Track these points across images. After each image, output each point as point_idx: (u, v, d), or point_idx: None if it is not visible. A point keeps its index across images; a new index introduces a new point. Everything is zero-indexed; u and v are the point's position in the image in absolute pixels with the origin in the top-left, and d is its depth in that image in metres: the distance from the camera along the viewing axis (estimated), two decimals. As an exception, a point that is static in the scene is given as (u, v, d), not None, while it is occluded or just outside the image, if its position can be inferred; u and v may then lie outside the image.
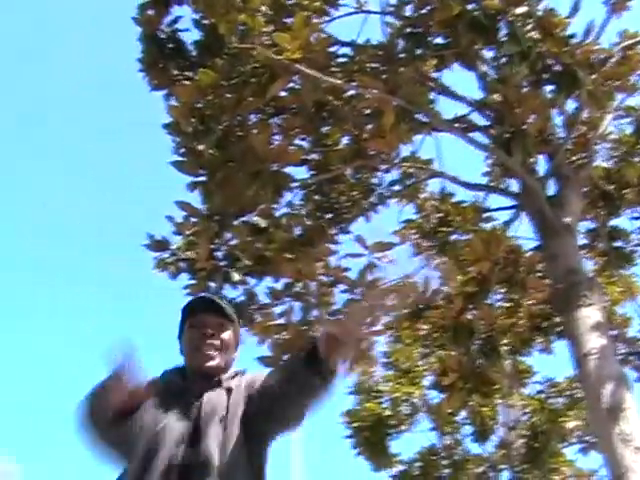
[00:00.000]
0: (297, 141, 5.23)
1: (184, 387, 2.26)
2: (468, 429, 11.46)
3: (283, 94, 4.94)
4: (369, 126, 5.19)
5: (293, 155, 4.81)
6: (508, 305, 6.34)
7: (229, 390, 2.24)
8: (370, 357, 5.75)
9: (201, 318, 2.33)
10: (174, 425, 2.11)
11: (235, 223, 4.96)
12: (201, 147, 4.81)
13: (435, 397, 10.71)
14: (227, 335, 2.34)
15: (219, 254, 5.25)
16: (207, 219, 4.85)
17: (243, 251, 5.18)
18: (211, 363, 2.27)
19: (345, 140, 5.50)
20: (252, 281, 5.41)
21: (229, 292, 5.38)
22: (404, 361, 10.85)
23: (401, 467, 11.26)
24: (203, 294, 2.62)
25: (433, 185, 6.42)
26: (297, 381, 2.08)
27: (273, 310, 5.50)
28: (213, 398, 2.18)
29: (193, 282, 5.30)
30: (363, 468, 11.03)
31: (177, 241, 5.31)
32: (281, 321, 5.49)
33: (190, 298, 2.40)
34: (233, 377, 2.30)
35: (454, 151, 7.64)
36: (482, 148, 5.63)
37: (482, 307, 5.86)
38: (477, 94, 5.60)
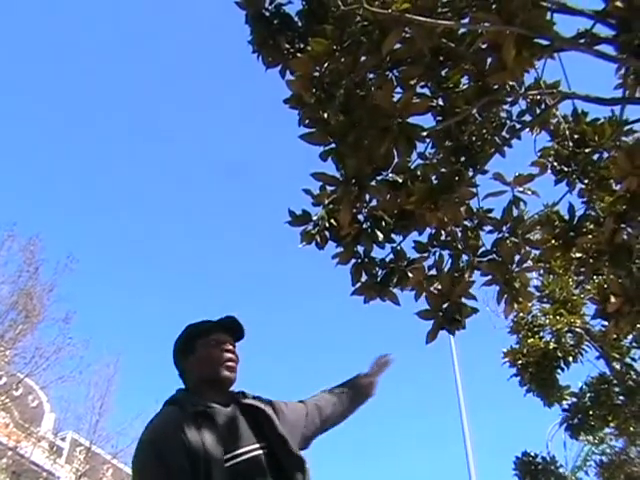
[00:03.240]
0: (419, 90, 5.16)
1: (214, 400, 2.48)
2: (638, 353, 11.10)
3: (397, 47, 4.88)
4: (489, 61, 5.02)
5: (419, 105, 4.75)
6: (664, 218, 6.03)
7: (270, 402, 2.65)
8: (526, 293, 5.62)
9: (220, 336, 2.67)
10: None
11: (372, 183, 4.97)
12: (326, 115, 4.85)
13: (597, 324, 10.46)
14: (238, 353, 2.68)
15: (361, 217, 5.30)
16: (345, 184, 4.89)
17: (384, 210, 5.22)
18: (233, 375, 2.62)
19: (466, 80, 5.37)
20: (398, 238, 5.45)
21: (376, 252, 5.45)
22: (560, 292, 10.60)
23: (573, 399, 11.06)
24: (221, 317, 2.73)
25: (564, 108, 6.16)
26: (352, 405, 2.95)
27: (423, 263, 5.52)
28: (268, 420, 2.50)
29: (340, 250, 5.41)
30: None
31: (318, 212, 5.41)
32: (433, 272, 5.51)
33: (198, 321, 2.72)
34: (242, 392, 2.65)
35: (581, 69, 7.30)
36: (611, 60, 5.34)
37: (636, 225, 5.60)
38: (597, 5, 5.32)
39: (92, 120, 60.98)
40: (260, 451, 2.38)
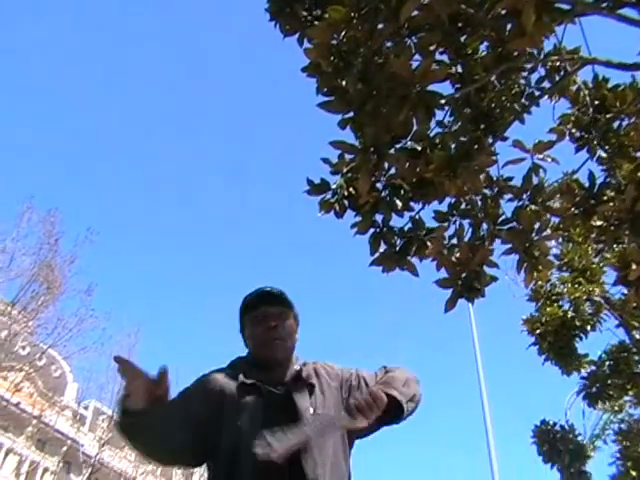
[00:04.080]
0: (437, 57, 5.11)
1: (264, 379, 2.41)
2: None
3: (415, 13, 4.82)
4: (508, 27, 4.96)
5: (438, 72, 4.70)
6: (686, 185, 5.95)
7: (308, 384, 2.47)
8: (545, 262, 5.60)
9: (263, 311, 2.56)
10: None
11: (391, 152, 4.94)
12: (344, 83, 4.82)
13: (617, 293, 10.40)
14: (288, 323, 2.58)
15: (379, 185, 5.29)
16: (363, 153, 4.87)
17: (403, 178, 5.19)
18: (281, 354, 2.51)
19: (485, 47, 5.31)
20: (417, 207, 5.43)
21: (395, 222, 5.44)
22: (579, 260, 10.53)
23: (591, 367, 11.05)
24: (260, 288, 2.63)
25: (585, 74, 6.08)
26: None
27: (443, 233, 5.51)
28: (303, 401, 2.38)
29: (359, 219, 5.40)
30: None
31: (336, 181, 5.39)
32: (453, 242, 5.50)
33: (248, 293, 2.63)
34: (304, 364, 2.56)
35: (603, 34, 7.20)
36: (635, 23, 5.25)
37: (659, 192, 5.54)
38: (620, -33, 5.22)
39: (113, 92, 61.03)
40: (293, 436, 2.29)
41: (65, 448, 30.25)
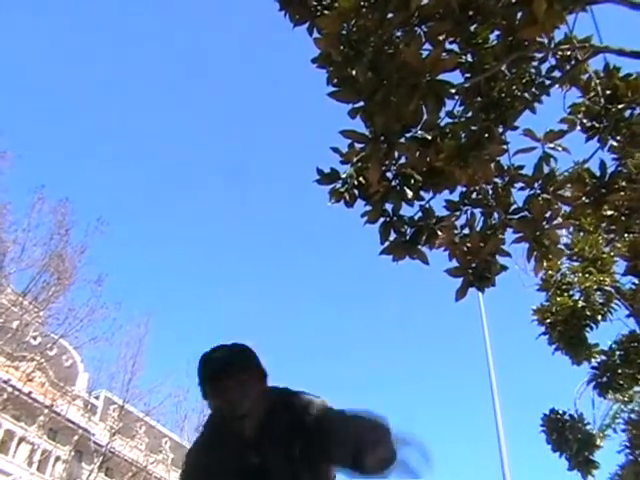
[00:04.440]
0: (447, 46, 5.10)
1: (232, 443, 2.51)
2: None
3: (425, 2, 4.82)
4: (519, 15, 4.94)
5: (448, 61, 4.70)
6: (698, 174, 5.93)
7: (270, 437, 2.49)
8: (556, 251, 5.59)
9: (216, 386, 2.55)
10: None
11: (401, 141, 4.94)
12: (354, 73, 4.82)
13: (627, 283, 10.37)
14: (245, 387, 2.53)
15: (390, 175, 5.29)
16: (373, 142, 4.87)
17: (414, 167, 5.19)
18: (249, 424, 2.52)
19: (495, 36, 5.29)
20: (427, 196, 5.44)
21: (405, 211, 5.44)
22: (590, 250, 10.48)
23: (601, 357, 11.01)
24: (207, 358, 2.61)
25: (596, 64, 6.05)
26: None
27: (453, 222, 5.51)
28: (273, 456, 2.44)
29: (369, 208, 5.40)
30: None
31: (346, 170, 5.40)
32: (465, 231, 5.50)
33: (200, 362, 2.60)
34: (271, 410, 2.54)
35: (615, 22, 7.15)
36: (646, 11, 5.23)
37: (669, 181, 5.52)
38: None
39: (120, 87, 61.13)
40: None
41: (76, 437, 30.47)
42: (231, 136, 71.17)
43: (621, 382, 10.89)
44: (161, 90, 67.49)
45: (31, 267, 23.45)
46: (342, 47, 4.76)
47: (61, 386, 29.15)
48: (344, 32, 4.79)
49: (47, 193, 24.82)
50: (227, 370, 2.54)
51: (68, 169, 54.56)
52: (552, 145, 5.34)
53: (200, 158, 69.10)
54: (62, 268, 23.72)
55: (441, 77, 4.71)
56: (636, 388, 11.98)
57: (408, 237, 5.42)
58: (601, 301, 10.71)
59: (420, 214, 5.47)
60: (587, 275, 10.66)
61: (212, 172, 67.84)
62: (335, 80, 4.99)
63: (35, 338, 25.49)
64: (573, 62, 5.86)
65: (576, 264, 11.03)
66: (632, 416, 12.61)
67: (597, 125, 5.87)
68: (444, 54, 4.86)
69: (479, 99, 5.45)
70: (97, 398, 33.79)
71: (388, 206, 5.37)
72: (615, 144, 5.91)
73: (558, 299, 10.56)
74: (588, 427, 11.03)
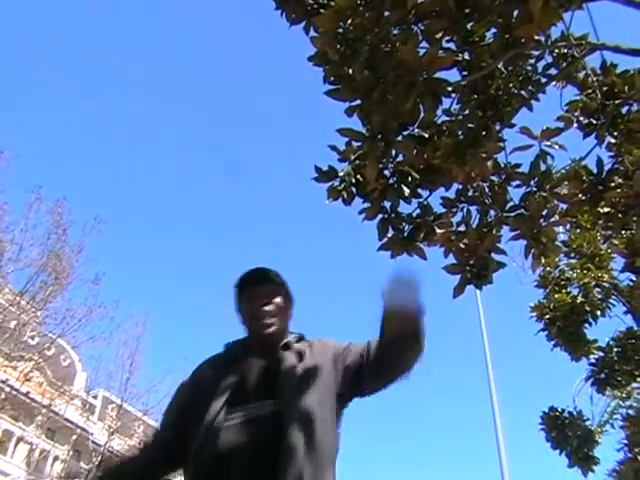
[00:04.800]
0: (444, 44, 5.10)
1: (252, 356, 2.46)
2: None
3: (422, 0, 4.82)
4: (515, 13, 4.95)
5: (445, 59, 4.71)
6: (694, 171, 5.92)
7: (300, 354, 2.48)
8: (553, 248, 5.60)
9: (253, 290, 2.61)
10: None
11: (399, 139, 4.95)
12: (351, 71, 4.82)
13: (625, 279, 10.39)
14: (279, 299, 2.60)
15: (387, 172, 5.30)
16: (371, 140, 4.88)
17: (411, 165, 5.20)
18: (270, 330, 2.53)
19: (492, 34, 5.30)
20: (424, 194, 5.44)
21: (403, 208, 5.45)
22: (588, 246, 10.51)
23: (599, 353, 11.04)
24: (252, 268, 2.68)
25: (592, 61, 6.06)
26: (395, 345, 2.30)
27: (450, 219, 5.52)
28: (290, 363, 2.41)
29: (367, 205, 5.41)
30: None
31: (344, 168, 5.40)
32: (461, 228, 5.51)
33: (240, 274, 2.67)
34: (297, 341, 2.57)
35: (611, 19, 7.17)
36: (642, 8, 5.24)
37: (666, 177, 5.52)
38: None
39: (116, 83, 61.09)
40: (272, 407, 2.31)
41: (75, 437, 30.46)
42: (230, 135, 71.13)
43: (619, 378, 10.92)
44: (158, 87, 67.48)
45: (29, 267, 23.39)
46: (339, 45, 4.76)
47: (59, 386, 29.12)
48: (340, 30, 4.79)
49: (44, 193, 24.78)
50: (269, 279, 2.64)
51: (65, 168, 54.51)
52: (549, 143, 5.36)
53: (199, 155, 69.08)
54: (60, 267, 23.68)
55: (438, 75, 4.72)
56: (634, 384, 12.01)
57: (406, 234, 5.43)
58: (599, 297, 10.74)
59: (418, 211, 5.48)
60: (585, 271, 10.70)
61: (212, 169, 67.84)
62: (332, 78, 4.98)
63: (33, 338, 25.45)
64: (570, 59, 5.87)
65: (574, 261, 11.06)
66: (630, 412, 12.64)
67: (594, 122, 5.88)
68: (441, 52, 4.85)
69: (476, 97, 5.46)
70: (95, 397, 33.78)
71: (386, 203, 5.38)
72: (612, 141, 5.92)
73: (556, 295, 10.59)
74: (587, 423, 11.05)
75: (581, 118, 5.93)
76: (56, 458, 30.13)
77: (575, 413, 11.02)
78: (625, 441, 11.47)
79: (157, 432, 2.58)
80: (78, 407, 31.35)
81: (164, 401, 30.68)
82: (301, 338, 2.61)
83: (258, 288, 2.60)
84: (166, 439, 2.46)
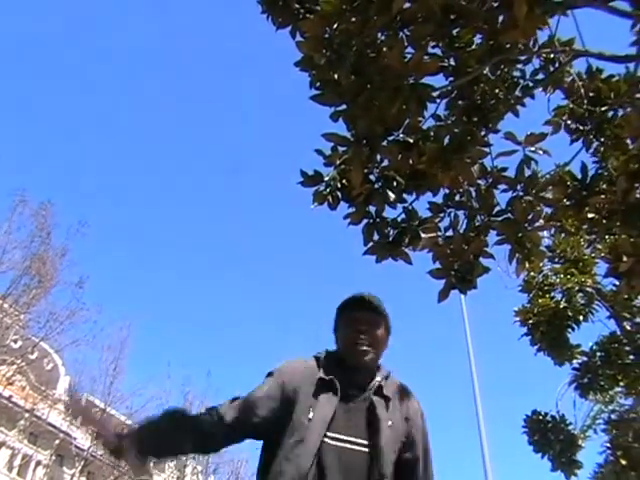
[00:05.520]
0: (430, 50, 5.11)
1: (344, 380, 2.51)
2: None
3: (407, 5, 4.83)
4: (501, 18, 4.97)
5: (430, 65, 4.72)
6: (679, 177, 5.97)
7: (387, 399, 2.56)
8: (537, 252, 5.62)
9: (355, 316, 2.66)
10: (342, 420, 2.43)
11: (384, 144, 4.95)
12: (337, 76, 4.82)
13: (608, 284, 10.45)
14: (379, 331, 2.66)
15: (373, 177, 5.29)
16: (356, 145, 4.87)
17: (396, 170, 5.20)
18: (366, 358, 2.59)
19: (478, 39, 5.32)
20: (410, 199, 5.44)
21: (388, 213, 5.45)
22: (571, 251, 10.56)
23: (583, 358, 11.10)
24: (358, 293, 2.74)
25: (579, 66, 6.09)
26: None
27: (437, 223, 5.52)
28: (381, 412, 2.49)
29: (352, 210, 5.41)
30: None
31: (330, 172, 5.39)
32: (449, 233, 5.51)
33: (346, 297, 2.74)
34: (386, 377, 2.64)
35: (595, 26, 7.22)
36: (626, 16, 5.27)
37: (650, 184, 5.55)
38: (612, -41, 5.22)
39: (104, 85, 60.78)
40: (365, 449, 2.40)
41: (58, 441, 30.26)
42: (219, 136, 70.94)
43: (602, 383, 10.98)
44: (144, 89, 67.25)
45: (12, 270, 23.28)
46: (325, 50, 4.75)
47: (42, 390, 28.93)
48: (327, 35, 4.78)
49: (28, 196, 24.65)
50: (373, 308, 2.69)
51: (50, 171, 54.18)
52: (533, 148, 5.37)
53: (184, 159, 68.90)
54: (43, 271, 23.56)
55: (424, 80, 4.72)
56: (617, 389, 12.07)
57: (391, 238, 5.42)
58: (583, 302, 10.79)
59: (403, 216, 5.48)
60: (569, 276, 10.75)
61: (198, 170, 67.64)
62: (318, 83, 4.98)
63: (16, 341, 25.27)
64: (557, 64, 5.90)
65: (558, 265, 11.11)
66: (613, 417, 12.70)
67: (581, 127, 5.92)
68: (426, 57, 4.86)
69: (461, 102, 5.47)
70: (79, 401, 33.54)
71: (371, 208, 5.37)
72: (598, 146, 5.96)
73: (540, 300, 10.64)
74: (570, 427, 11.10)
75: (569, 122, 5.97)
76: (39, 463, 29.90)
77: (558, 417, 11.06)
78: (607, 444, 11.52)
79: (237, 407, 2.53)
80: (61, 411, 31.13)
81: (148, 405, 30.57)
82: (388, 376, 2.67)
83: (362, 314, 2.65)
84: (248, 419, 2.48)
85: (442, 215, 5.52)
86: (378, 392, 2.55)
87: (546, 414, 11.02)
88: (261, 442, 2.56)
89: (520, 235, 5.35)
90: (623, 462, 10.81)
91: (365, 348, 2.58)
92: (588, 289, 10.84)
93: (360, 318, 2.63)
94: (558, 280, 10.88)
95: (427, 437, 2.66)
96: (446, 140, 5.10)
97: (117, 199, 60.49)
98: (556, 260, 11.13)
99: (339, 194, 5.32)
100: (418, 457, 2.57)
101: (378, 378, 2.60)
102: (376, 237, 5.42)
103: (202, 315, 59.79)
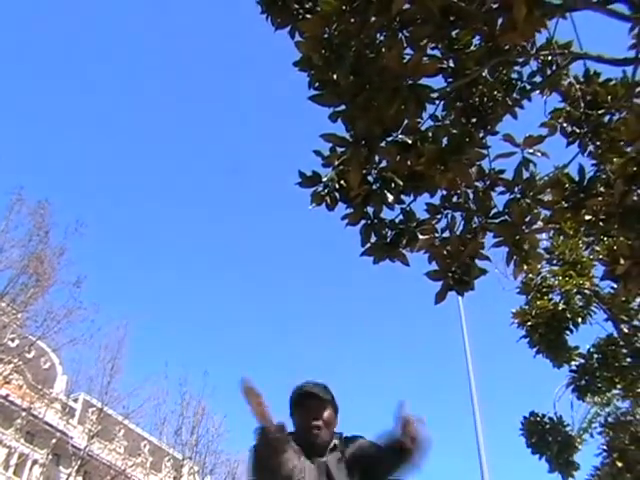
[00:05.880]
0: (429, 51, 5.12)
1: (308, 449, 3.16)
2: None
3: (407, 6, 4.83)
4: (500, 20, 4.97)
5: (429, 66, 4.72)
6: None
7: (340, 451, 3.24)
8: (535, 255, 5.63)
9: (305, 404, 3.27)
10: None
11: (382, 145, 4.95)
12: (335, 76, 4.82)
13: (606, 287, 10.46)
14: (327, 413, 3.30)
15: (371, 178, 5.29)
16: (354, 145, 4.87)
17: (394, 171, 5.19)
18: (319, 440, 3.24)
19: (477, 41, 5.32)
20: (408, 200, 5.44)
21: (386, 214, 5.45)
22: (569, 253, 10.57)
23: (580, 360, 11.10)
24: (304, 383, 3.37)
25: (576, 69, 6.10)
26: (393, 463, 3.18)
27: (435, 225, 5.52)
28: (333, 463, 3.16)
29: (350, 211, 5.41)
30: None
31: (328, 173, 5.39)
32: (445, 234, 5.51)
33: (295, 387, 3.35)
34: (339, 438, 3.31)
35: (594, 29, 7.22)
36: (625, 19, 5.28)
37: (647, 187, 5.56)
38: (611, -37, 5.23)
39: (99, 80, 60.77)
40: None
41: (54, 440, 30.19)
42: (216, 136, 70.93)
43: (599, 385, 10.99)
44: (143, 88, 67.27)
45: (9, 268, 23.26)
46: (324, 51, 4.75)
47: (39, 389, 28.89)
48: (326, 36, 4.78)
49: (26, 194, 24.62)
50: (319, 396, 3.30)
51: (48, 170, 54.17)
52: (531, 150, 5.38)
53: (183, 158, 68.89)
54: (41, 270, 23.54)
55: (422, 81, 4.72)
56: (614, 391, 12.08)
57: (389, 239, 5.42)
58: (581, 304, 10.80)
59: (401, 217, 5.48)
60: (567, 278, 10.75)
61: (194, 170, 67.65)
62: (317, 84, 4.98)
63: (13, 340, 25.24)
64: (555, 67, 5.91)
65: (556, 268, 11.12)
66: (609, 419, 12.71)
67: (577, 130, 5.93)
68: (425, 58, 4.87)
69: (460, 104, 5.48)
70: (75, 401, 33.51)
71: (369, 209, 5.37)
72: (595, 149, 5.97)
73: (538, 302, 10.64)
74: (567, 429, 11.11)
75: (565, 125, 5.98)
76: (35, 462, 29.84)
77: (555, 419, 11.06)
78: (604, 446, 11.53)
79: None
80: (58, 410, 31.08)
81: (145, 405, 30.56)
82: (341, 437, 3.34)
83: (310, 403, 3.27)
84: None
85: (439, 217, 5.52)
86: (333, 450, 3.25)
87: (544, 416, 11.02)
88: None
89: (517, 237, 5.36)
90: (619, 464, 10.83)
91: (317, 432, 3.23)
92: (586, 291, 10.85)
93: (310, 406, 3.27)
94: (556, 282, 10.89)
95: (369, 443, 3.34)
96: (444, 141, 5.11)
97: (115, 199, 60.43)
98: (554, 262, 11.14)
99: (337, 195, 5.32)
100: (372, 454, 3.25)
101: (334, 441, 3.29)
102: (374, 238, 5.42)
103: (199, 315, 59.76)
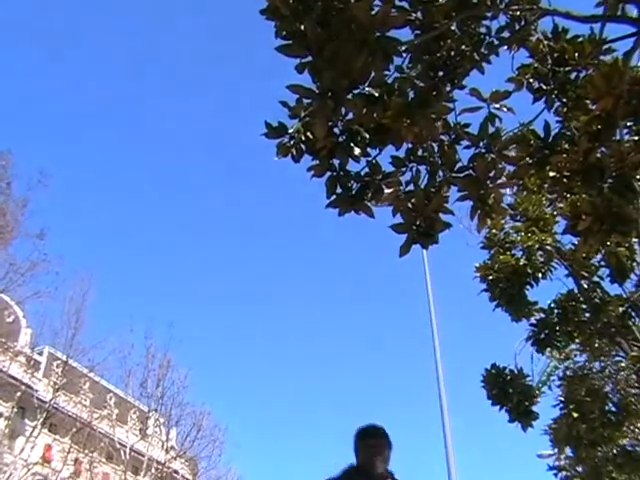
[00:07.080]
0: (397, 2, 5.07)
1: None
2: (605, 271, 11.33)
3: (376, -44, 4.77)
4: (469, -27, 4.94)
5: (397, 18, 4.68)
6: (637, 139, 6.06)
7: None
8: (499, 209, 5.69)
9: (371, 442, 4.27)
10: None
11: (349, 97, 4.93)
12: (303, 27, 4.76)
13: (568, 243, 10.64)
14: (386, 452, 4.27)
15: (337, 130, 5.28)
16: (321, 97, 4.84)
17: (361, 124, 5.19)
18: (379, 468, 4.17)
19: (446, -7, 5.28)
20: (374, 152, 5.45)
21: (352, 166, 5.45)
22: (533, 210, 10.70)
23: (540, 315, 11.32)
24: (371, 425, 4.41)
25: (545, 24, 6.09)
26: None
27: (400, 178, 5.54)
28: None
29: (316, 163, 5.40)
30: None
31: (294, 125, 5.36)
32: (410, 188, 5.54)
33: (362, 427, 4.36)
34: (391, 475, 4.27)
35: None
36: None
37: (610, 145, 5.63)
38: None
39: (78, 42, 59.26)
40: None
41: (19, 394, 30.15)
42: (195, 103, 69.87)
43: (559, 339, 11.24)
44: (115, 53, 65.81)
45: (-30, 221, 22.87)
46: (291, 0, 4.69)
47: (3, 342, 28.71)
48: (293, -16, 4.71)
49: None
50: (382, 436, 4.35)
51: (9, 119, 53.02)
52: (497, 105, 5.40)
53: (155, 110, 67.85)
54: (3, 222, 23.21)
55: (391, 34, 4.69)
56: (572, 346, 12.38)
57: (354, 192, 5.44)
58: (542, 260, 10.98)
59: (367, 169, 5.48)
60: (529, 234, 10.91)
61: (162, 124, 66.81)
62: (284, 34, 4.91)
63: (-25, 294, 24.97)
64: (523, 23, 5.90)
65: (519, 223, 11.27)
66: (567, 372, 13.04)
67: (544, 87, 5.95)
68: (394, 11, 4.82)
69: (427, 57, 5.46)
70: (40, 354, 33.44)
71: (335, 161, 5.36)
72: (560, 106, 6.00)
73: (501, 257, 10.81)
74: (528, 379, 11.36)
75: (532, 81, 6.00)
76: (0, 415, 29.81)
77: (516, 371, 11.31)
78: (562, 398, 11.85)
79: None
80: (22, 364, 30.99)
81: (110, 358, 30.60)
82: (392, 476, 4.27)
83: (375, 441, 4.29)
84: None
85: (404, 170, 5.53)
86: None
87: (504, 368, 11.25)
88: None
89: (482, 192, 5.41)
90: (575, 415, 11.14)
91: (380, 466, 4.18)
92: (548, 247, 11.03)
93: (374, 444, 4.27)
94: (519, 238, 11.05)
95: None
96: (411, 95, 5.10)
97: (78, 149, 59.46)
98: (517, 218, 11.29)
99: (303, 147, 5.30)
100: None
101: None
102: (339, 190, 5.43)
103: (164, 266, 59.58)
